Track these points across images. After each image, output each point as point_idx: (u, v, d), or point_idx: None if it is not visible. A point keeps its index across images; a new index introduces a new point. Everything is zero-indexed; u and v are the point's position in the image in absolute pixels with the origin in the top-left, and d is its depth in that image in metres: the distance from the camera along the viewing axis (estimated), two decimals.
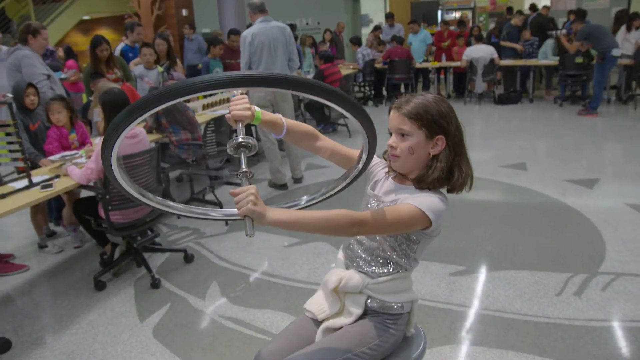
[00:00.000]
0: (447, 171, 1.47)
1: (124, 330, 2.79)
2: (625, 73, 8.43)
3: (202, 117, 4.98)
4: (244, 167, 1.28)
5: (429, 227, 1.44)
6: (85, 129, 4.01)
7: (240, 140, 1.32)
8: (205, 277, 3.33)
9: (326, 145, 1.66)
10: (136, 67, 5.47)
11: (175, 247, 3.80)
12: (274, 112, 4.82)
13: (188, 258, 3.56)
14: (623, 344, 2.45)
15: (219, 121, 4.45)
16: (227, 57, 6.58)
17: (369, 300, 1.55)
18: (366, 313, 1.56)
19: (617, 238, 3.55)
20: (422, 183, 1.47)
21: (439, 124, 1.45)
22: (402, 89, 9.98)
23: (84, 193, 3.69)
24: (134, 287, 3.25)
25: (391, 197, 1.52)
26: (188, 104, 5.14)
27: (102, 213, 3.13)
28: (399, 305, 1.55)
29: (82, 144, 3.87)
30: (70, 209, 3.72)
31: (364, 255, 1.56)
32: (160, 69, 5.19)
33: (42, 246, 3.90)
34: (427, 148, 1.46)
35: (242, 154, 1.32)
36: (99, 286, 3.22)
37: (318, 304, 1.63)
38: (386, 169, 1.59)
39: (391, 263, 1.54)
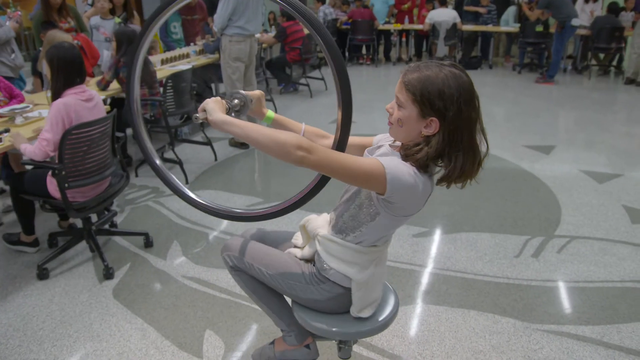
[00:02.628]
0: (434, 157, 1.34)
1: (83, 291, 2.69)
2: (581, 43, 8.61)
3: (161, 72, 4.78)
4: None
5: (384, 194, 1.31)
6: (7, 82, 3.61)
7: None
8: (167, 237, 3.25)
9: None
10: (92, 18, 5.17)
11: (135, 231, 3.29)
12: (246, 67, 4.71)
13: (149, 243, 3.13)
14: (576, 303, 2.56)
15: (178, 77, 4.28)
16: (184, 13, 6.31)
17: (317, 249, 1.58)
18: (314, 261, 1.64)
19: (571, 202, 3.67)
20: (406, 157, 1.36)
21: (433, 105, 1.30)
22: (364, 51, 9.89)
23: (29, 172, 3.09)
24: (89, 247, 3.14)
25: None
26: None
27: (54, 192, 2.72)
28: (329, 268, 1.54)
29: (11, 98, 3.54)
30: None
31: (338, 211, 1.55)
32: (117, 19, 4.93)
33: None
34: (419, 126, 1.34)
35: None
36: (42, 275, 2.80)
37: (299, 233, 1.74)
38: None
39: (344, 227, 1.52)
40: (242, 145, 4.96)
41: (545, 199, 3.77)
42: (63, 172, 2.59)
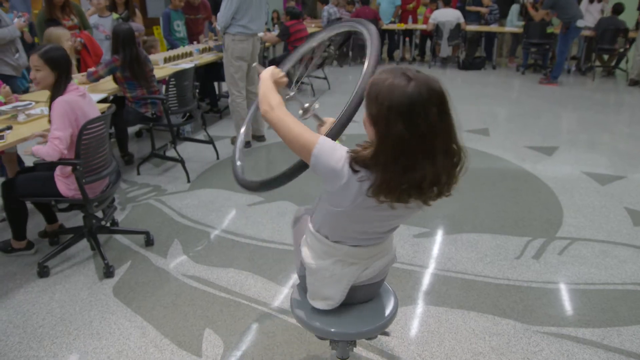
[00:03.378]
0: (362, 159, 1.31)
1: (83, 289, 2.70)
2: (585, 44, 8.58)
3: (164, 70, 4.78)
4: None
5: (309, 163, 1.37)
6: None
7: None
8: (167, 235, 3.25)
9: None
10: (91, 17, 5.18)
11: (136, 229, 3.29)
12: (248, 66, 4.70)
13: (149, 241, 3.14)
14: (576, 305, 2.55)
15: (181, 75, 4.28)
16: (187, 12, 6.32)
17: None
18: None
19: (573, 204, 3.66)
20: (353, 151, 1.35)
21: (369, 108, 1.28)
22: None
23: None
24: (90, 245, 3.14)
25: None
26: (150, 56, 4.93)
27: (65, 191, 2.71)
28: (300, 244, 1.66)
29: None
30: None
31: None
32: (115, 15, 4.93)
33: None
34: (369, 130, 1.31)
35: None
36: (42, 273, 2.81)
37: None
38: None
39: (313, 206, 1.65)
40: (245, 144, 4.96)
41: (546, 200, 3.76)
42: (81, 168, 2.63)
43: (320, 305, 1.61)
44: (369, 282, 1.62)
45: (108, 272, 2.81)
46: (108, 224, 3.22)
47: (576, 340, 2.29)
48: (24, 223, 2.97)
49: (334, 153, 1.34)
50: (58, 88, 2.65)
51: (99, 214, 3.06)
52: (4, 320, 2.45)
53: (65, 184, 2.72)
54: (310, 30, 8.62)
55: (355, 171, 1.32)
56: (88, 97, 2.81)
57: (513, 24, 8.91)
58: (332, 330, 1.57)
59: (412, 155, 1.25)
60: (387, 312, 1.64)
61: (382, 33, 9.71)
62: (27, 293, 2.66)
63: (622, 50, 8.09)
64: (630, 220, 3.43)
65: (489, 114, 6.23)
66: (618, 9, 7.97)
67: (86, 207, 2.76)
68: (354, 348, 1.77)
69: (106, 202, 3.00)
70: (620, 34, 7.86)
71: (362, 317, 1.62)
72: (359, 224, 1.45)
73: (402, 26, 9.73)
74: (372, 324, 1.59)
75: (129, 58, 3.91)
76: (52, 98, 2.64)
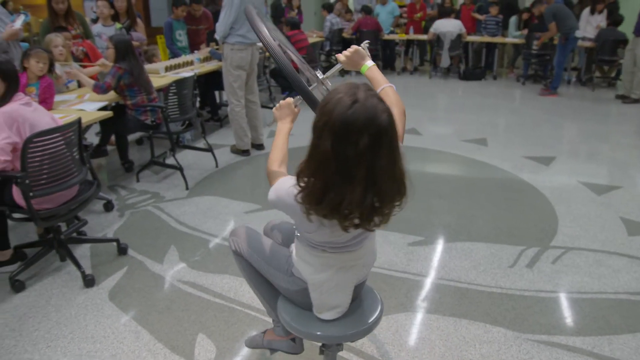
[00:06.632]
0: (299, 172, 1.36)
1: (79, 293, 2.73)
2: (585, 55, 8.61)
3: (164, 79, 4.84)
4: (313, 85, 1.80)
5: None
6: (51, 85, 3.58)
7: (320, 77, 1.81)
8: (164, 242, 3.29)
9: None
10: (94, 26, 5.26)
11: (105, 237, 3.33)
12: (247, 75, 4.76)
13: (121, 250, 3.12)
14: (568, 314, 2.56)
15: (181, 83, 4.33)
16: (189, 23, 6.39)
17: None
18: None
19: (569, 214, 3.68)
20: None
21: (316, 113, 1.34)
22: None
23: None
24: (89, 250, 3.18)
25: None
26: (148, 65, 5.00)
27: (20, 200, 2.63)
28: (292, 263, 1.67)
29: (42, 101, 3.55)
30: None
31: None
32: (118, 25, 4.99)
33: None
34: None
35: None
36: (17, 287, 2.74)
37: None
38: None
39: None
40: (244, 152, 5.01)
41: (542, 209, 3.77)
42: (27, 181, 2.53)
43: (329, 315, 1.63)
44: (360, 283, 1.68)
45: (87, 281, 2.79)
46: (74, 235, 3.15)
47: (567, 348, 2.31)
48: (4, 231, 2.92)
49: (283, 187, 1.45)
50: (4, 98, 2.64)
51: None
52: (0, 323, 2.48)
53: (19, 193, 2.61)
54: (311, 40, 8.71)
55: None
56: (35, 106, 2.77)
57: (512, 35, 8.96)
58: (318, 333, 1.60)
59: (332, 175, 1.26)
60: (373, 316, 1.67)
61: (383, 44, 9.77)
62: (24, 297, 2.70)
63: (621, 61, 8.11)
64: (625, 230, 3.45)
65: (488, 124, 6.26)
66: (617, 20, 8.00)
67: (34, 220, 2.66)
68: (340, 351, 1.81)
69: (72, 214, 2.91)
70: (621, 45, 7.89)
71: (346, 321, 1.65)
72: (340, 234, 1.45)
73: (403, 36, 9.80)
74: (356, 327, 1.62)
75: (131, 66, 3.97)
76: None
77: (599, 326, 2.46)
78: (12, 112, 2.59)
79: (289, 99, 1.77)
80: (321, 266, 1.57)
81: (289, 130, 1.76)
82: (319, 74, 1.70)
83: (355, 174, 1.25)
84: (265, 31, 1.67)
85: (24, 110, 2.65)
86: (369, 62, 1.81)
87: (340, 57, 1.83)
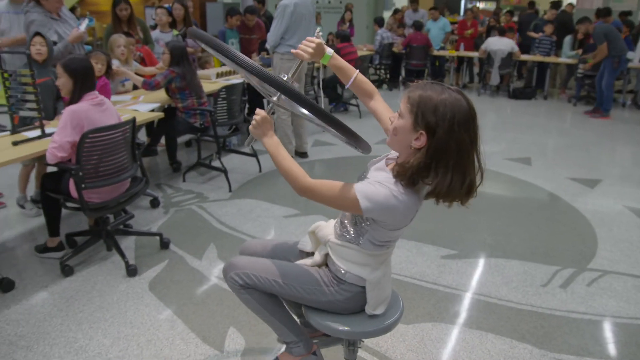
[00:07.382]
0: (420, 171, 1.42)
1: (122, 282, 2.90)
2: None
3: (215, 85, 5.04)
4: (274, 98, 1.61)
5: (362, 215, 1.49)
6: (107, 85, 3.82)
7: (284, 77, 1.59)
8: (205, 239, 3.43)
9: (376, 106, 1.79)
10: (153, 32, 5.54)
11: (151, 231, 3.52)
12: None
13: (164, 244, 3.29)
14: (599, 336, 2.52)
15: (231, 89, 4.51)
16: (242, 32, 6.61)
17: (329, 254, 1.70)
18: (326, 265, 1.75)
19: (610, 238, 3.60)
20: (397, 174, 1.46)
21: (424, 117, 1.39)
22: (417, 76, 9.95)
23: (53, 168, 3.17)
24: (134, 242, 3.36)
25: (371, 173, 1.59)
26: (201, 71, 5.20)
27: (74, 192, 2.82)
28: (344, 272, 1.66)
29: None
30: (38, 182, 3.56)
31: (340, 219, 1.72)
32: (175, 32, 5.24)
33: (20, 205, 3.79)
34: (410, 137, 1.43)
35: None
36: (66, 272, 2.94)
37: (307, 238, 1.87)
38: None
39: (349, 235, 1.65)
40: None
41: (582, 232, 3.71)
42: (80, 173, 2.72)
43: (381, 309, 1.71)
44: None
45: (129, 271, 2.95)
46: (121, 227, 3.34)
47: None
48: (57, 218, 3.11)
49: (376, 191, 1.45)
50: (73, 95, 2.82)
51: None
52: (49, 303, 2.67)
53: (72, 184, 2.81)
54: (360, 53, 8.81)
55: (411, 190, 1.46)
56: (107, 106, 2.94)
57: (566, 55, 8.79)
58: (345, 329, 1.68)
59: (466, 158, 1.42)
60: (393, 314, 1.76)
61: (433, 59, 9.77)
62: (72, 281, 2.89)
63: None
64: None
65: (534, 143, 6.16)
66: None
67: (84, 210, 2.85)
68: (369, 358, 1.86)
69: (119, 207, 3.10)
70: None
71: (366, 319, 1.73)
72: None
73: (454, 52, 9.77)
74: (376, 325, 1.70)
75: (183, 70, 4.18)
76: (68, 104, 2.82)
77: (631, 352, 2.42)
78: (80, 112, 2.75)
79: (262, 112, 1.64)
80: (377, 264, 1.65)
81: (279, 141, 1.66)
82: (284, 76, 1.60)
83: (473, 155, 1.44)
84: (222, 43, 1.57)
85: (93, 111, 2.80)
86: (329, 50, 1.77)
87: (302, 54, 1.73)
